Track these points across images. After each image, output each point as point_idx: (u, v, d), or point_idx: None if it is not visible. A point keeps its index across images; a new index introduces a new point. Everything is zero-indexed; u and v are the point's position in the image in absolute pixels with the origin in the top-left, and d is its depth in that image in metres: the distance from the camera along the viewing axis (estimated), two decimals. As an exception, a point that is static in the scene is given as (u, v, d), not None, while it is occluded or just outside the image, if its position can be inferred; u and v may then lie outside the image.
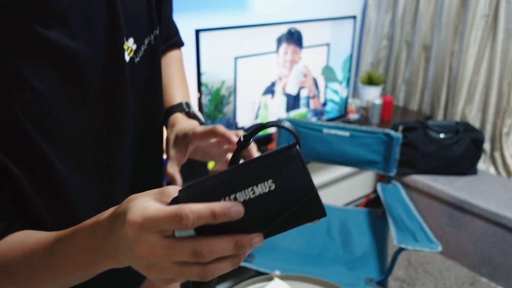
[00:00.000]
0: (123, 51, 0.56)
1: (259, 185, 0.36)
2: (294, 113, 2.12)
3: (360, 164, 1.69)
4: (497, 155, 2.33)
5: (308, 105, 2.16)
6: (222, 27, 1.70)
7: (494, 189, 2.12)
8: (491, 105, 2.29)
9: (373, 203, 2.56)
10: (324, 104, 2.24)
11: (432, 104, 2.51)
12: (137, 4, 0.60)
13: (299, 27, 1.96)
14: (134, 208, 0.36)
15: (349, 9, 2.53)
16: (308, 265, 1.51)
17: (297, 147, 0.38)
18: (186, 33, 1.89)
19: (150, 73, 0.64)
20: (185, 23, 1.92)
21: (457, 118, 2.39)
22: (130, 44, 0.58)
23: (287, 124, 0.39)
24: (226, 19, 1.97)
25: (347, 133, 1.67)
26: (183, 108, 0.75)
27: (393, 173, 1.65)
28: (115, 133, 0.58)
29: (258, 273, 1.56)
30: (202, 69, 1.66)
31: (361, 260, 1.53)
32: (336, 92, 2.26)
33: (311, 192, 0.37)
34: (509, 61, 2.18)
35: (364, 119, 2.37)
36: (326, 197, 2.33)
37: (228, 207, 0.35)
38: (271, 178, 0.37)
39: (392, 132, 1.62)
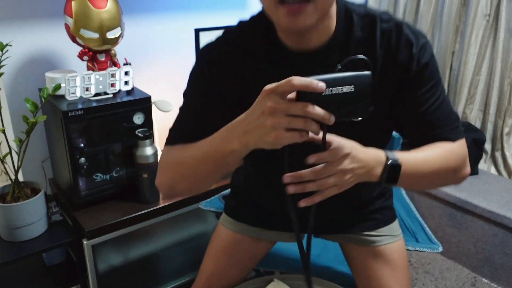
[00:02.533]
0: None
1: (346, 87, 0.63)
2: (294, 113, 2.11)
3: (361, 164, 1.67)
4: (498, 155, 2.32)
5: (308, 105, 2.15)
6: (222, 27, 1.69)
7: (495, 189, 2.11)
8: (492, 105, 2.28)
9: (373, 203, 2.55)
10: (325, 104, 2.23)
11: (433, 104, 2.50)
12: None
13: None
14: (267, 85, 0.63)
15: (349, 9, 2.52)
16: (308, 266, 1.50)
17: (370, 72, 0.64)
18: (185, 32, 1.89)
19: None
20: (184, 22, 1.92)
21: (458, 118, 2.38)
22: None
23: (361, 56, 0.67)
24: (225, 18, 1.96)
25: (347, 133, 1.66)
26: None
27: (393, 173, 1.64)
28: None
29: (259, 274, 1.55)
30: (202, 69, 1.66)
31: (361, 261, 1.52)
32: (336, 92, 2.25)
33: (368, 99, 0.64)
34: (510, 61, 2.17)
35: (365, 119, 2.36)
36: (327, 197, 2.32)
37: (316, 83, 0.60)
38: (353, 85, 0.63)
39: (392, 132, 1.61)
